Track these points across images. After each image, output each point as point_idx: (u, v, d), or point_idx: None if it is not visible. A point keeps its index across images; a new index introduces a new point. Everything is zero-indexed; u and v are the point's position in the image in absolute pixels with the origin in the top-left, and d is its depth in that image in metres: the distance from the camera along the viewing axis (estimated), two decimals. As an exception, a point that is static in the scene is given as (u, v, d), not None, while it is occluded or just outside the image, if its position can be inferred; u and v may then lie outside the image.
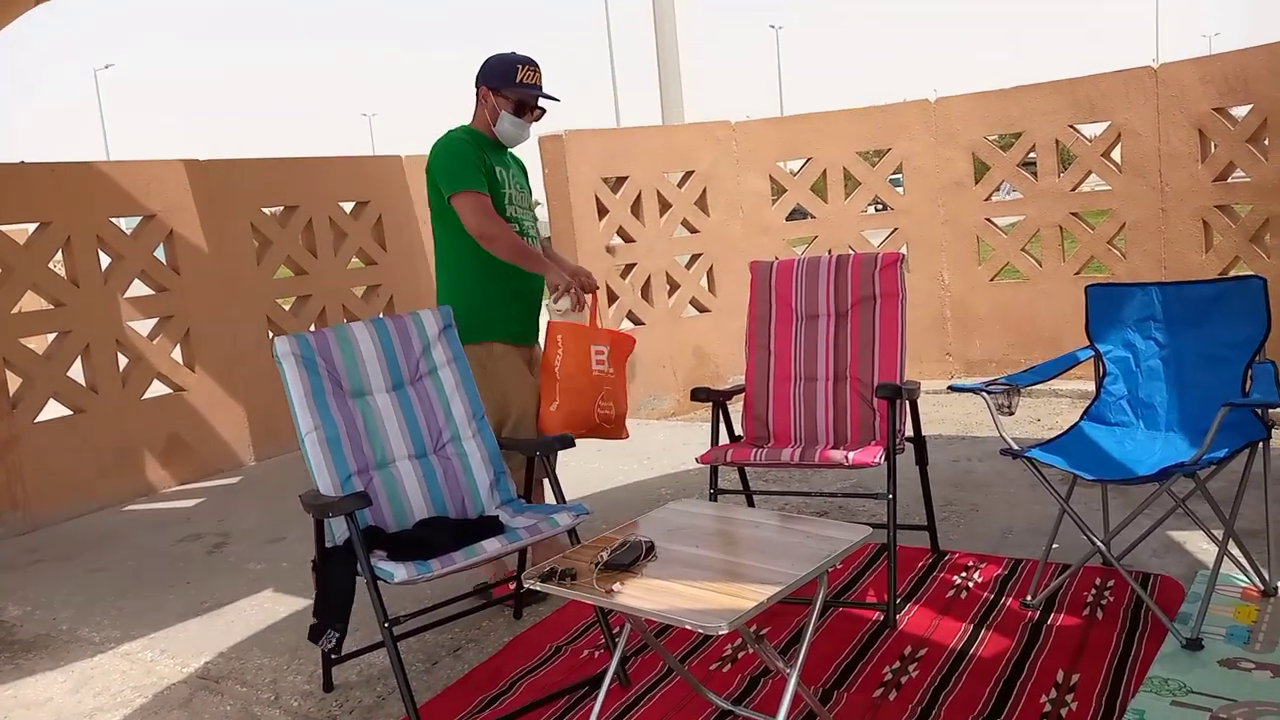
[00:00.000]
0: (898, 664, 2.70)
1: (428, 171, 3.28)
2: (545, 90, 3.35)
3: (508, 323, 3.34)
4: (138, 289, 5.50)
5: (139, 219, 5.54)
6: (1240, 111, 5.25)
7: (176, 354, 5.66)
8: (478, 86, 3.34)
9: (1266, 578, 2.90)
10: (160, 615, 3.60)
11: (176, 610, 3.64)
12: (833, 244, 6.45)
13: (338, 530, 2.63)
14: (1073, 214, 5.92)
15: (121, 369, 5.40)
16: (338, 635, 2.64)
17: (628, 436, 3.48)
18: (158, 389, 5.58)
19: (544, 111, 3.41)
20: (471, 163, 3.21)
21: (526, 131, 3.37)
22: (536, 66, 3.33)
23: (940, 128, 6.17)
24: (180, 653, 3.26)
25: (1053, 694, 2.48)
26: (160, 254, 5.61)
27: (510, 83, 3.27)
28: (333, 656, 2.79)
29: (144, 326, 5.54)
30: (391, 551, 2.59)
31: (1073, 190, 5.94)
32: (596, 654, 2.91)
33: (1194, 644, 2.60)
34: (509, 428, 3.29)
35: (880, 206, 6.72)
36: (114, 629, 3.52)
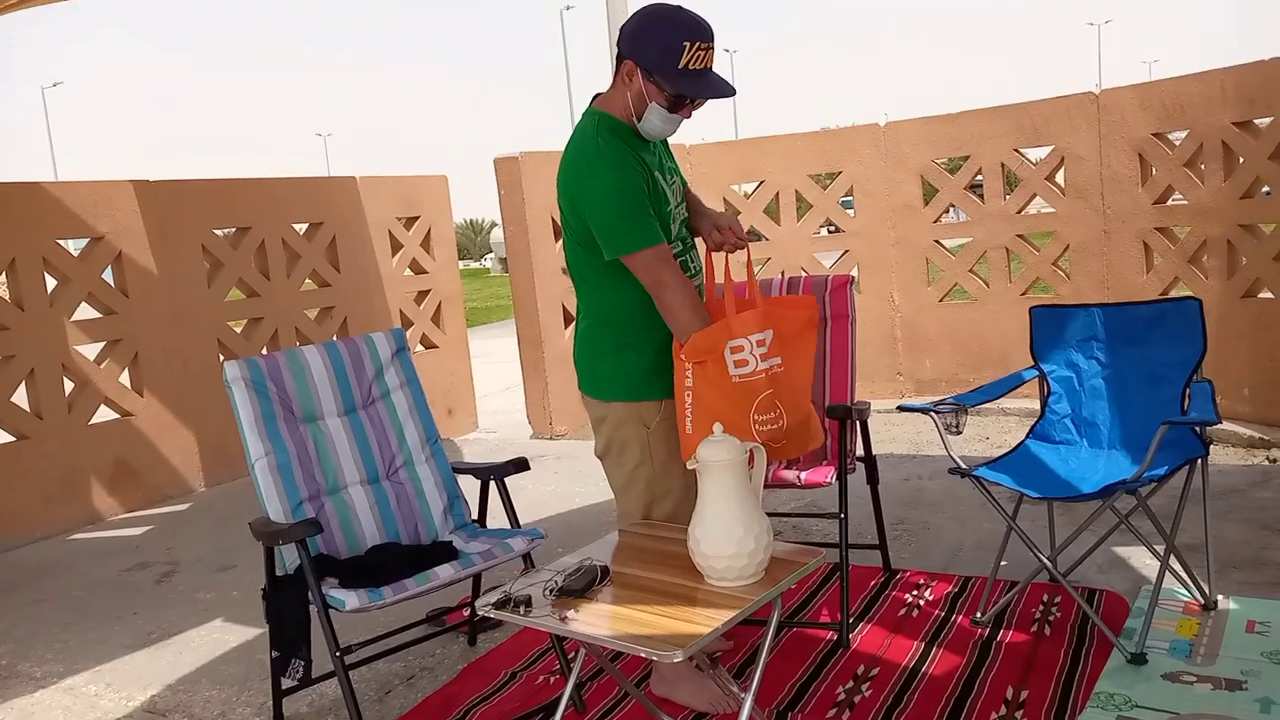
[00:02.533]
0: (851, 683, 2.72)
1: (567, 192, 2.48)
2: (717, 77, 2.42)
3: (668, 373, 2.53)
4: (85, 312, 5.41)
5: (86, 241, 5.45)
6: (1178, 136, 5.41)
7: (125, 378, 5.55)
8: (622, 57, 2.43)
9: (1207, 592, 2.97)
10: (105, 647, 3.52)
11: (123, 642, 3.56)
12: (785, 266, 6.52)
13: (288, 558, 2.60)
14: (1019, 236, 6.05)
15: (68, 394, 5.29)
16: (303, 664, 2.61)
17: (819, 444, 2.62)
18: (105, 414, 5.47)
19: (705, 101, 2.48)
20: (642, 202, 2.39)
21: (678, 126, 2.50)
22: (709, 41, 2.37)
23: (890, 151, 6.28)
24: (126, 686, 3.19)
25: (1002, 711, 2.52)
26: (109, 276, 5.52)
27: (672, 68, 2.35)
28: (291, 684, 2.74)
29: (91, 350, 5.44)
30: (343, 579, 2.57)
31: (1018, 213, 6.07)
32: (552, 679, 2.90)
33: (1138, 658, 2.66)
34: (671, 508, 2.57)
35: (832, 229, 6.82)
36: (56, 663, 3.43)
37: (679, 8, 2.40)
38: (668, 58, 2.34)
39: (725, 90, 2.43)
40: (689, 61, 2.34)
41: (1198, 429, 2.89)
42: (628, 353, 2.53)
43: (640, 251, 2.39)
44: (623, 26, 2.43)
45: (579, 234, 2.50)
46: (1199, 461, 2.89)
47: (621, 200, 2.38)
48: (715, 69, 2.43)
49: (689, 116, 2.49)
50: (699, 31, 2.35)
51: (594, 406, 2.65)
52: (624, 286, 2.47)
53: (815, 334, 2.59)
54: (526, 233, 6.12)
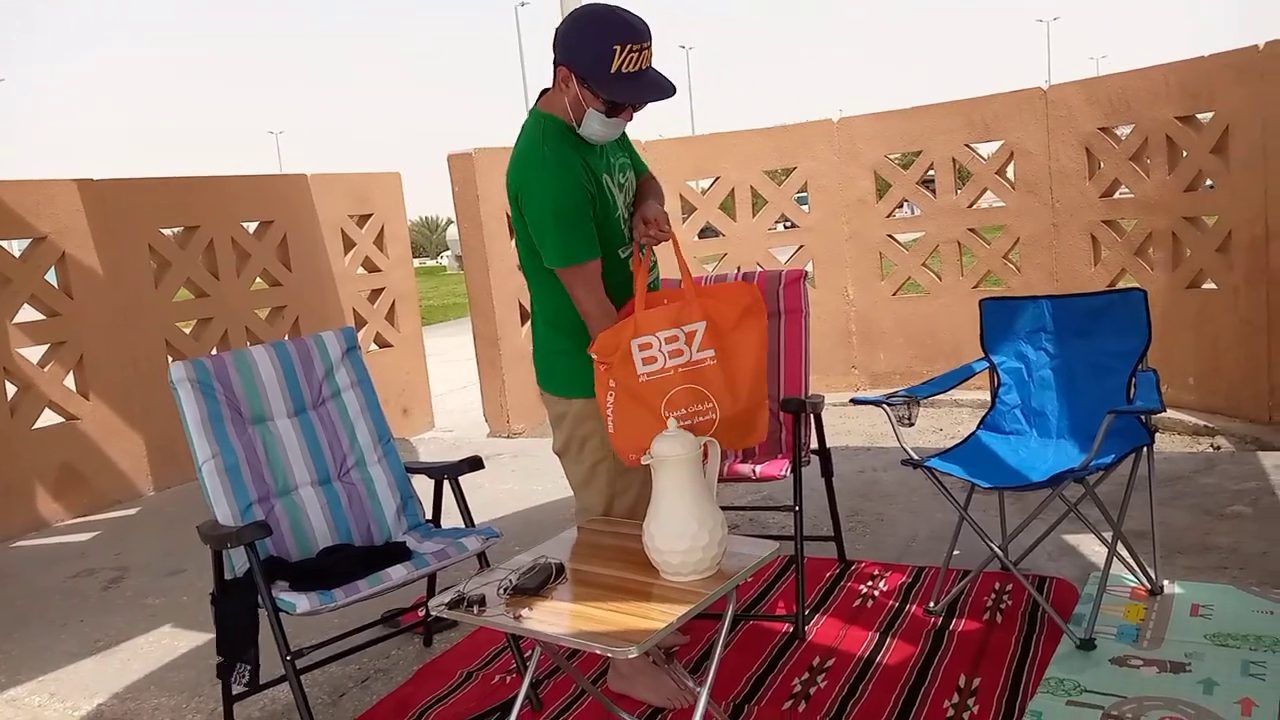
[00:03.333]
0: (807, 675, 2.74)
1: (514, 196, 2.47)
2: (655, 77, 2.32)
3: None
4: (28, 314, 5.27)
5: (29, 241, 5.31)
6: (1123, 131, 5.51)
7: (70, 381, 5.43)
8: (556, 63, 2.35)
9: (1153, 577, 3.03)
10: (50, 656, 3.44)
11: (68, 650, 3.48)
12: (741, 261, 6.54)
13: (237, 561, 2.56)
14: (970, 230, 6.13)
15: (10, 398, 5.16)
16: (249, 668, 2.56)
17: (758, 439, 2.57)
18: (50, 418, 5.35)
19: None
20: (577, 217, 2.36)
21: (621, 129, 2.45)
22: (643, 41, 2.26)
23: (844, 147, 6.33)
24: (71, 695, 3.12)
25: (955, 699, 2.54)
26: (52, 277, 5.39)
27: (604, 73, 2.26)
28: (240, 690, 2.70)
29: (35, 353, 5.31)
30: (294, 581, 2.53)
31: (969, 207, 6.15)
32: (508, 679, 2.88)
33: (1087, 644, 2.70)
34: (630, 503, 2.57)
35: (787, 224, 6.86)
36: None
37: (611, 8, 2.30)
38: (600, 63, 2.26)
39: (662, 92, 2.33)
40: (622, 64, 2.25)
41: (1143, 417, 2.94)
42: (583, 351, 2.52)
43: (566, 268, 2.40)
44: (556, 30, 2.34)
45: (528, 236, 2.48)
46: (1145, 449, 2.94)
47: (559, 213, 2.36)
48: (654, 67, 2.33)
49: (630, 119, 2.42)
50: (631, 32, 2.25)
51: (553, 403, 2.64)
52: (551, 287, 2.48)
53: (759, 321, 2.48)
54: (481, 229, 6.08)
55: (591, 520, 2.59)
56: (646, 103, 2.37)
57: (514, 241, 6.16)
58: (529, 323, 6.26)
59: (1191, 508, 3.78)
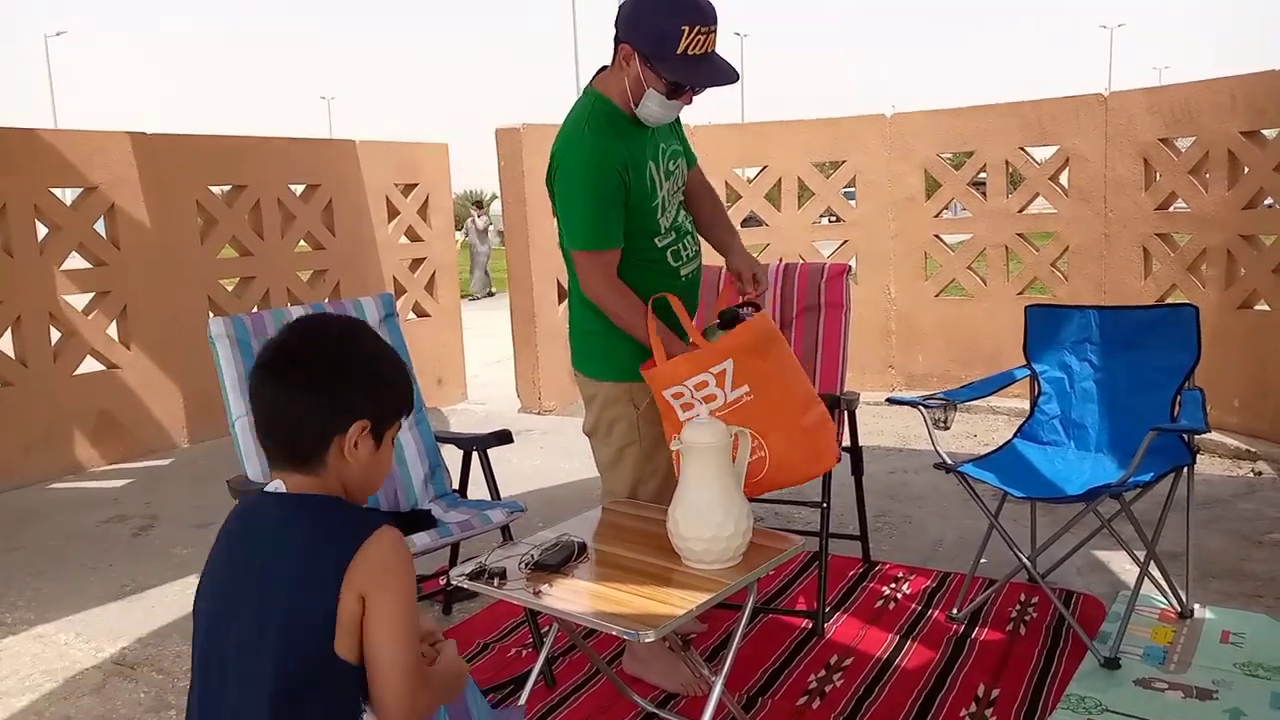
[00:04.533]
0: (823, 672, 2.71)
1: (550, 176, 2.50)
2: (719, 62, 2.29)
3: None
4: (75, 262, 5.36)
5: (80, 190, 5.39)
6: (1184, 143, 5.37)
7: (112, 330, 5.51)
8: (619, 40, 2.32)
9: (1184, 600, 2.97)
10: (78, 598, 3.50)
11: (96, 593, 3.54)
12: (783, 252, 6.48)
13: (264, 518, 2.57)
14: (1019, 235, 6.02)
15: (54, 343, 5.25)
16: None
17: (834, 461, 2.54)
18: (91, 365, 5.44)
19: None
20: (604, 206, 2.35)
21: (678, 112, 2.42)
22: (711, 25, 2.24)
23: (895, 143, 6.24)
24: (96, 637, 3.17)
25: (973, 708, 2.51)
26: (100, 227, 5.47)
27: (670, 54, 2.23)
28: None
29: (80, 301, 5.40)
30: (318, 542, 2.54)
31: (1020, 211, 6.04)
32: (524, 653, 2.89)
33: (1111, 663, 2.66)
34: (656, 488, 2.55)
35: (833, 218, 6.78)
36: (28, 610, 3.41)
37: None
38: (666, 43, 2.22)
39: (727, 77, 2.31)
40: (688, 46, 2.22)
41: (1186, 437, 2.87)
42: (616, 333, 2.50)
43: (582, 251, 2.39)
44: (620, 6, 2.32)
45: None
46: (1185, 470, 2.87)
47: (585, 197, 2.35)
48: (718, 52, 2.30)
49: (689, 102, 2.39)
50: (700, 14, 2.23)
51: (585, 384, 2.63)
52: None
53: (780, 343, 2.43)
54: (524, 205, 6.07)
55: (617, 502, 2.59)
56: (708, 87, 2.34)
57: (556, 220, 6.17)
58: (565, 301, 6.27)
59: (1228, 532, 3.70)
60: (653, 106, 2.34)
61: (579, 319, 2.62)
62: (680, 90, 2.33)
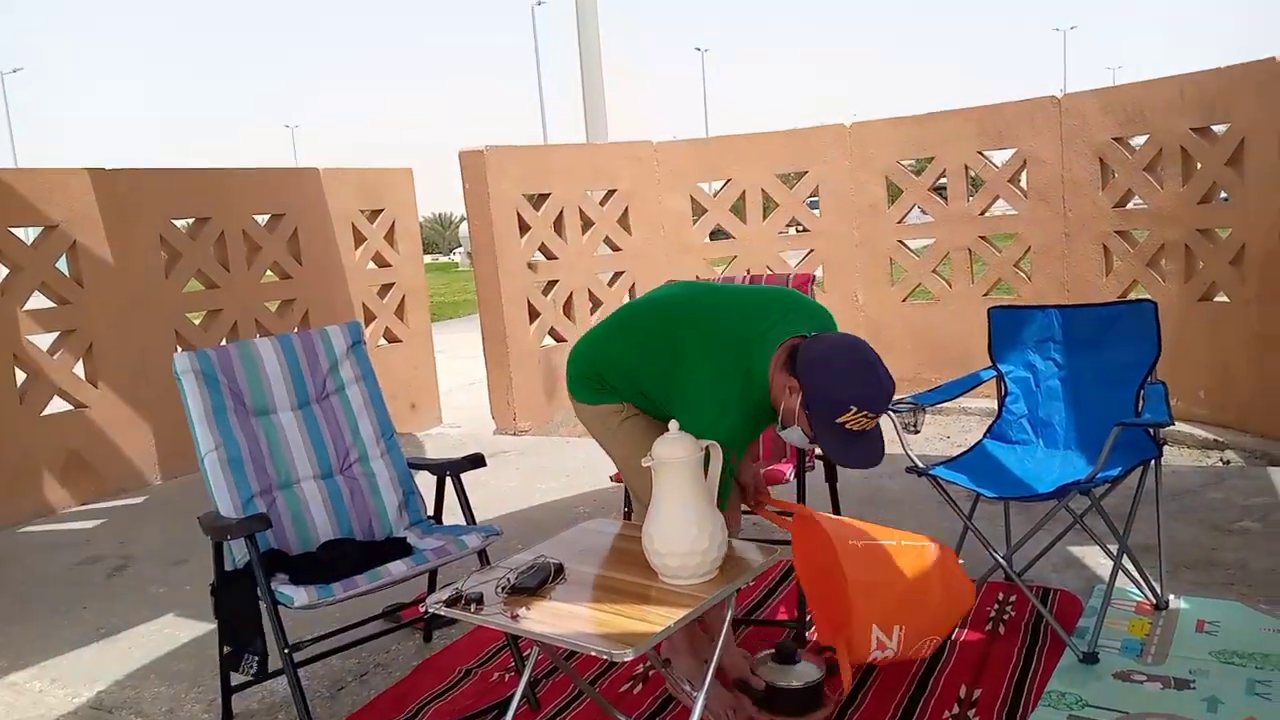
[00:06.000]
0: (806, 681, 2.72)
1: (668, 349, 2.39)
2: (869, 444, 2.28)
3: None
4: (38, 301, 5.30)
5: (41, 229, 5.34)
6: (1138, 141, 5.47)
7: (79, 369, 5.45)
8: (791, 370, 2.25)
9: (1159, 591, 3.00)
10: (52, 642, 3.45)
11: (70, 637, 3.49)
12: (751, 264, 6.53)
13: (238, 553, 2.56)
14: (981, 237, 6.10)
15: (19, 384, 5.18)
16: (257, 658, 2.57)
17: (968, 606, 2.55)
18: (58, 405, 5.37)
19: None
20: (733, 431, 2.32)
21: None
22: (880, 411, 2.24)
23: (855, 152, 6.31)
24: (72, 682, 3.12)
25: (955, 709, 2.53)
26: (63, 265, 5.41)
27: (829, 419, 2.22)
28: (246, 679, 2.70)
29: (44, 340, 5.33)
30: (294, 575, 2.53)
31: (981, 214, 6.12)
32: (507, 677, 2.88)
33: (1090, 658, 2.68)
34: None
35: (798, 228, 6.84)
36: (0, 658, 3.36)
37: (872, 364, 2.23)
38: (830, 410, 2.20)
39: (869, 460, 2.27)
40: (848, 422, 2.20)
41: (1151, 430, 2.92)
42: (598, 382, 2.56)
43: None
44: (810, 346, 2.26)
45: (647, 375, 2.47)
46: (1152, 462, 2.91)
47: (725, 418, 2.29)
48: (875, 429, 2.27)
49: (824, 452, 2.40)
50: (873, 402, 2.19)
51: (571, 399, 2.70)
52: (635, 396, 2.51)
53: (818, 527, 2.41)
54: (491, 227, 6.08)
55: (591, 521, 2.59)
56: (846, 465, 2.36)
57: (524, 238, 6.17)
58: (538, 321, 6.28)
59: (1199, 522, 3.75)
60: (794, 437, 2.34)
61: (582, 350, 2.64)
62: (817, 442, 2.32)
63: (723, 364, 2.30)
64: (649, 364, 2.46)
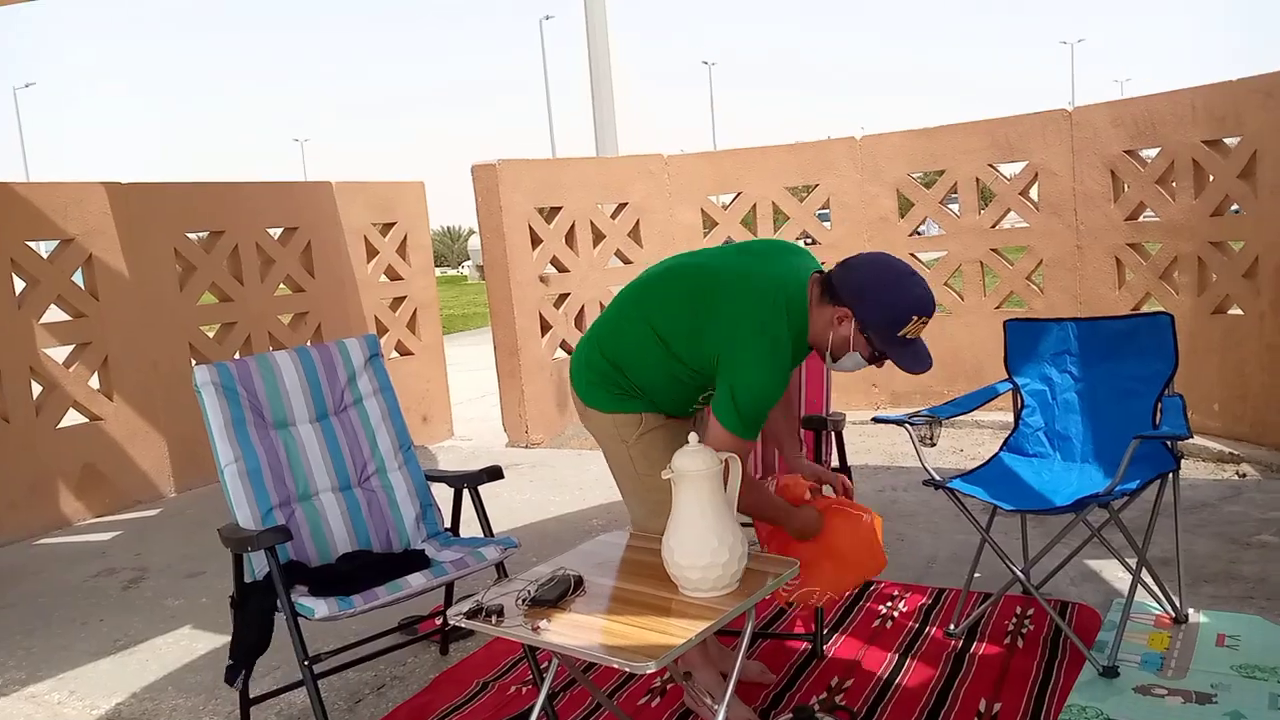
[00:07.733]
0: (825, 694, 2.72)
1: (710, 331, 2.34)
2: (922, 348, 2.36)
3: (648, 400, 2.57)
4: (54, 314, 5.33)
5: (56, 243, 5.38)
6: (1149, 154, 5.47)
7: (94, 382, 5.48)
8: (839, 298, 2.32)
9: (1178, 605, 2.99)
10: (70, 654, 3.46)
11: (88, 649, 3.50)
12: (763, 276, 6.52)
13: (257, 565, 2.57)
14: (993, 250, 6.10)
15: (35, 397, 5.21)
16: (244, 673, 2.58)
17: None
18: (74, 418, 5.40)
19: None
20: (768, 408, 2.37)
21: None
22: (931, 312, 2.32)
23: (866, 165, 6.32)
24: (90, 694, 3.13)
25: (974, 723, 2.52)
26: (79, 279, 5.45)
27: (892, 334, 2.30)
28: (249, 698, 2.71)
29: (60, 353, 5.36)
30: (313, 587, 2.53)
31: (993, 227, 6.12)
32: (524, 690, 2.88)
33: (1110, 671, 2.67)
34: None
35: (809, 240, 6.84)
36: (19, 670, 3.37)
37: (910, 274, 2.33)
38: (893, 325, 2.29)
39: (924, 364, 2.36)
40: (909, 331, 2.30)
41: (1169, 443, 2.91)
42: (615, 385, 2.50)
43: (739, 438, 2.32)
44: (846, 273, 2.33)
45: (676, 337, 2.41)
46: (1170, 475, 2.91)
47: (761, 401, 2.31)
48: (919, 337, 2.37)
49: (880, 366, 2.44)
50: (927, 307, 2.31)
51: (579, 404, 2.60)
52: (664, 377, 2.46)
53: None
54: (503, 240, 6.10)
55: (610, 534, 2.59)
56: (909, 370, 2.38)
57: (536, 251, 6.19)
58: (549, 334, 6.30)
59: (1217, 536, 3.73)
60: (848, 364, 2.40)
61: (586, 357, 2.57)
62: (880, 360, 2.38)
63: (763, 301, 2.31)
64: (678, 327, 2.41)
